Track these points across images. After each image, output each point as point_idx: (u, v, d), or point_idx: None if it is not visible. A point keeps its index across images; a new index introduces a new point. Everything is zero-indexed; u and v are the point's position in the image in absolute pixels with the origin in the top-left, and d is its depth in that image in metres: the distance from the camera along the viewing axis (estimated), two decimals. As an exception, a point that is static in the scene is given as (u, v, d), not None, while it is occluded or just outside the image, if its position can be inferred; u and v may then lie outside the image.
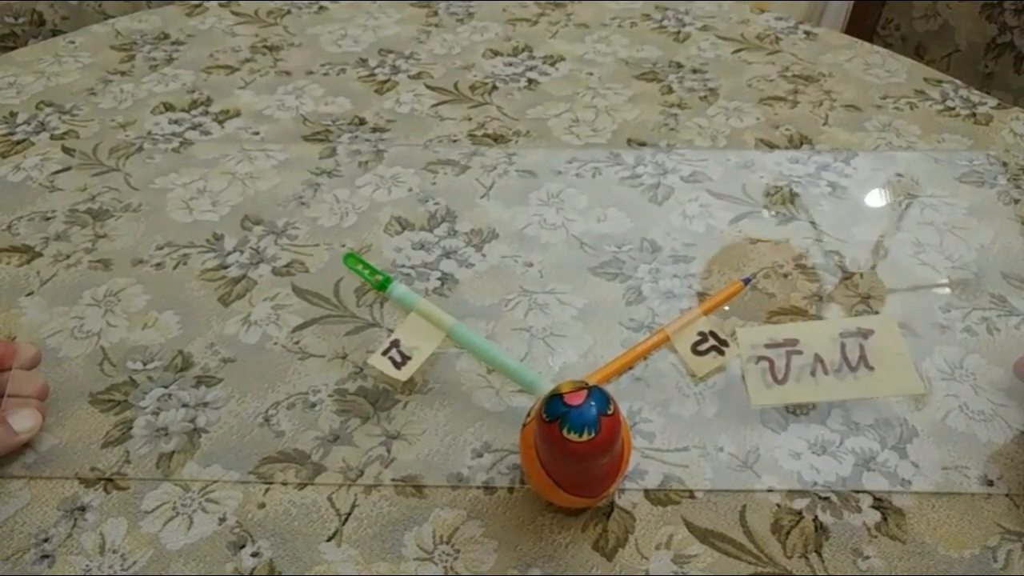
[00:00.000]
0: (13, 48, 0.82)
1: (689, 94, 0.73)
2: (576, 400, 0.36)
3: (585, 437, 0.35)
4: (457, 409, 0.47)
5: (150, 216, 0.59)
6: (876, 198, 0.61)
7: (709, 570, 0.40)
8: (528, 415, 0.40)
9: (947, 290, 0.54)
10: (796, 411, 0.47)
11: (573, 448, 0.35)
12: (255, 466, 0.44)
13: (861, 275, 0.55)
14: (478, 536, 0.41)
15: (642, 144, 0.67)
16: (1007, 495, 0.43)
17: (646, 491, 0.43)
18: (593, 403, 0.36)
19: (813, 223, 0.59)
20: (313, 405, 0.47)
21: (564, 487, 0.39)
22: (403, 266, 0.56)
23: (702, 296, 0.53)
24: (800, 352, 0.46)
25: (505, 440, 0.45)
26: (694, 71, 0.76)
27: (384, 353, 0.46)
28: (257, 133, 0.68)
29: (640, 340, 0.50)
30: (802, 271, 0.55)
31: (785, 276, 0.55)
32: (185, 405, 0.47)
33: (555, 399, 0.36)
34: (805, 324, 0.51)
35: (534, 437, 0.38)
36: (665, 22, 0.83)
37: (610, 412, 0.36)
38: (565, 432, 0.35)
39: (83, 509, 0.42)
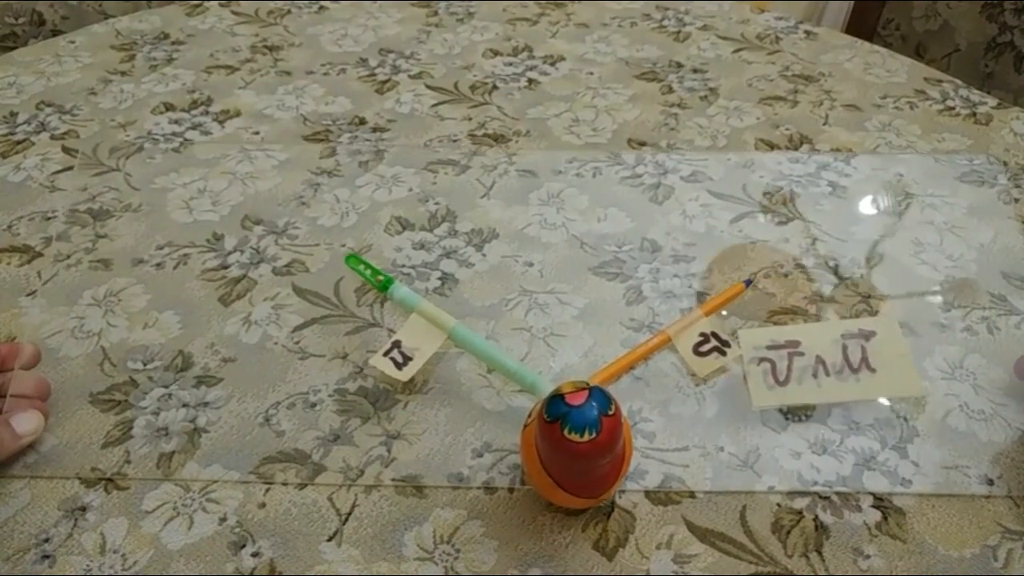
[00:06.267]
0: (13, 48, 0.82)
1: (689, 94, 0.73)
2: (577, 400, 0.36)
3: (586, 437, 0.35)
4: (457, 409, 0.47)
5: (150, 216, 0.59)
6: (876, 198, 0.61)
7: (709, 570, 0.40)
8: (529, 416, 0.40)
9: (947, 289, 0.54)
10: (795, 415, 0.47)
11: (574, 448, 0.35)
12: (255, 466, 0.44)
13: (861, 276, 0.55)
14: (478, 536, 0.41)
15: (642, 144, 0.67)
16: (1008, 495, 0.43)
17: (646, 491, 0.43)
18: (594, 403, 0.36)
19: (813, 223, 0.59)
20: (313, 405, 0.47)
21: (565, 487, 0.39)
22: (403, 266, 0.56)
23: (702, 296, 0.53)
24: (802, 354, 0.46)
25: (505, 440, 0.45)
26: (694, 71, 0.76)
27: (386, 354, 0.46)
28: (257, 133, 0.68)
29: (641, 340, 0.50)
30: (802, 271, 0.55)
31: (785, 276, 0.55)
32: (185, 405, 0.47)
33: (556, 399, 0.36)
34: (806, 326, 0.51)
35: (535, 437, 0.38)
36: (665, 22, 0.83)
37: (611, 412, 0.36)
38: (566, 432, 0.35)
39: (84, 509, 0.42)
